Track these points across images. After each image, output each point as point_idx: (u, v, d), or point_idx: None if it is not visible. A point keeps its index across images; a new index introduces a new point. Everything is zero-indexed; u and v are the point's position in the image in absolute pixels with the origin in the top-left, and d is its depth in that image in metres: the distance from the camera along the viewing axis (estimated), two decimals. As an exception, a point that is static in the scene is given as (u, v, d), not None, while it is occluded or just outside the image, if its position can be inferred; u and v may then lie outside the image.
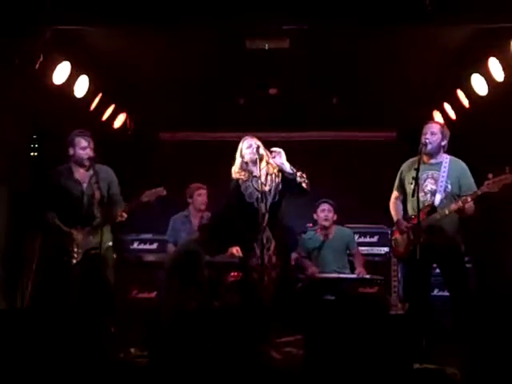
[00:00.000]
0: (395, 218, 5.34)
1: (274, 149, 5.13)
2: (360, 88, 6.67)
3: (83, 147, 5.26)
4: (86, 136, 5.30)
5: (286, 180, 5.12)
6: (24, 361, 4.12)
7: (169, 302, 4.46)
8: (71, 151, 5.31)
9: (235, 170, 5.24)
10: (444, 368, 4.44)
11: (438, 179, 5.07)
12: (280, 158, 5.09)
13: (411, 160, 5.23)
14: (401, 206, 5.37)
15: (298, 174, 5.06)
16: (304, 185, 5.06)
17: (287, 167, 5.09)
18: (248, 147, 5.17)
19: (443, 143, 5.16)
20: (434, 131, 5.13)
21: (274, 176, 5.16)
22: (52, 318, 4.42)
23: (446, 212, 4.95)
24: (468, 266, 5.57)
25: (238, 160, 5.23)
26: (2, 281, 5.44)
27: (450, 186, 5.06)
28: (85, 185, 5.33)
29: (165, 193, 5.35)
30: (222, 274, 5.88)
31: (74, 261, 5.19)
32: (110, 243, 5.37)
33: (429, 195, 5.09)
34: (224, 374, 4.17)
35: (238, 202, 5.14)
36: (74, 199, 5.29)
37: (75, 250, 5.20)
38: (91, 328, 4.43)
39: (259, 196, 5.01)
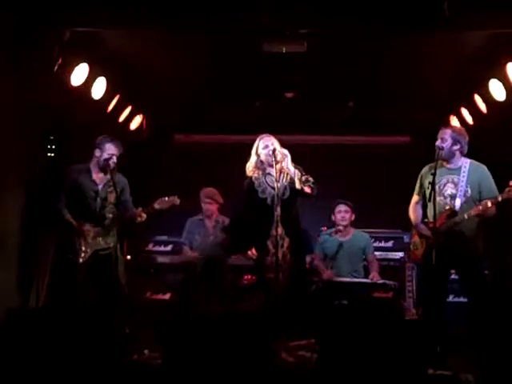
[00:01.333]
0: (414, 223, 5.32)
1: (280, 150, 5.14)
2: (376, 92, 6.65)
3: (111, 154, 5.31)
4: (119, 145, 5.35)
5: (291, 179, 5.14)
6: (37, 361, 4.13)
7: (195, 307, 4.44)
8: (97, 153, 5.36)
9: (249, 168, 5.26)
10: (459, 374, 4.41)
11: (458, 184, 5.05)
12: (283, 161, 5.10)
13: (431, 164, 5.20)
14: (420, 210, 5.33)
15: (303, 178, 5.04)
16: (307, 189, 5.04)
17: (291, 171, 5.10)
18: (264, 148, 5.19)
19: (455, 148, 5.11)
20: (445, 137, 5.11)
21: (286, 173, 5.17)
22: (64, 318, 4.44)
23: (465, 217, 4.92)
24: (486, 271, 5.52)
25: (254, 158, 5.26)
26: (17, 280, 5.47)
27: (469, 191, 5.03)
28: (100, 186, 5.38)
29: (178, 202, 5.38)
30: (236, 276, 5.89)
31: (81, 260, 5.22)
32: (118, 244, 5.38)
33: (448, 199, 5.06)
34: (236, 377, 4.16)
35: (252, 199, 5.15)
36: (88, 198, 5.33)
37: (83, 249, 5.23)
38: (104, 329, 4.44)
39: (274, 193, 5.01)
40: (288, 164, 5.14)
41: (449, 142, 5.09)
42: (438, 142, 5.08)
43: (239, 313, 4.53)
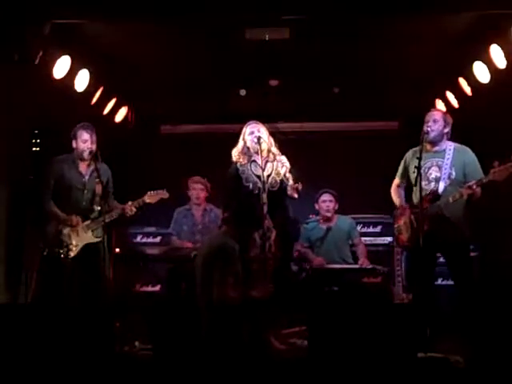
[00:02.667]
0: (397, 203, 5.32)
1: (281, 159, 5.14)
2: (361, 77, 6.64)
3: (84, 140, 5.27)
4: (88, 129, 5.30)
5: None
6: (27, 355, 4.12)
7: (208, 295, 4.43)
8: (74, 144, 5.34)
9: (235, 153, 5.24)
10: (448, 356, 4.44)
11: (442, 166, 5.05)
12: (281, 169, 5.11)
13: (415, 148, 5.20)
14: (402, 193, 5.35)
15: (295, 186, 5.05)
16: (295, 195, 5.07)
17: (289, 180, 5.11)
18: (250, 133, 5.18)
19: (446, 130, 5.14)
20: (437, 118, 5.12)
21: (275, 165, 5.14)
22: (54, 312, 4.43)
23: (450, 200, 4.92)
24: (473, 254, 5.55)
25: (241, 143, 5.25)
26: (5, 275, 5.45)
27: (454, 173, 5.03)
28: (87, 177, 5.34)
29: (167, 195, 5.39)
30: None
31: (72, 254, 5.19)
32: (105, 237, 5.34)
33: (433, 183, 5.06)
34: (228, 366, 4.17)
35: (235, 186, 5.13)
36: (76, 190, 5.30)
37: (73, 243, 5.19)
38: (93, 322, 4.43)
39: (258, 181, 5.01)
40: (286, 171, 5.13)
41: (441, 123, 5.10)
42: (429, 123, 5.07)
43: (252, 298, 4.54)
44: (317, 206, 6.48)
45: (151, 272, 6.44)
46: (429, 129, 5.05)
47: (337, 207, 6.44)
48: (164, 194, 5.40)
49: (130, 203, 5.33)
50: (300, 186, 5.05)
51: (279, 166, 5.19)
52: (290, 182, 5.10)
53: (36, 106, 5.73)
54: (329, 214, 6.38)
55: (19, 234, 5.58)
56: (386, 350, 4.13)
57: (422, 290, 4.96)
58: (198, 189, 6.72)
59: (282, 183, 5.16)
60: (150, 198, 5.36)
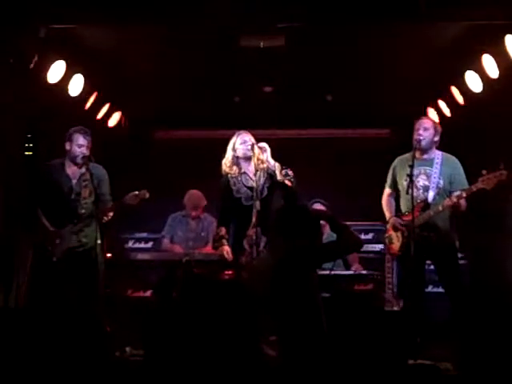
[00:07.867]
0: (388, 216, 5.35)
1: (260, 144, 5.13)
2: (354, 85, 6.67)
3: (80, 145, 5.24)
4: (85, 134, 5.26)
5: (270, 176, 5.14)
6: (18, 361, 4.11)
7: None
8: (67, 146, 5.29)
9: (226, 164, 5.23)
10: (438, 364, 4.46)
11: (431, 175, 5.09)
12: (263, 155, 5.10)
13: (403, 156, 5.26)
14: (393, 203, 5.38)
15: (283, 172, 5.05)
16: (287, 182, 5.05)
17: (271, 164, 5.10)
18: (242, 143, 5.17)
19: (436, 139, 5.19)
20: (427, 127, 5.16)
21: (263, 172, 5.16)
22: (45, 317, 4.42)
23: (440, 208, 4.97)
24: (462, 262, 5.59)
25: (230, 153, 5.22)
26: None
27: (442, 182, 5.08)
28: (74, 181, 5.31)
29: (147, 196, 5.24)
30: (216, 272, 5.87)
31: (55, 258, 5.15)
32: (99, 241, 5.27)
33: (421, 191, 5.11)
34: (219, 372, 4.17)
35: (226, 198, 5.14)
36: (63, 194, 5.27)
37: (57, 247, 5.16)
38: (84, 327, 4.43)
39: (249, 192, 5.02)
40: (268, 157, 5.13)
41: (431, 131, 5.15)
42: (420, 131, 5.11)
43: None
44: None
45: (142, 277, 6.43)
46: (420, 137, 5.09)
47: None
48: (143, 194, 5.22)
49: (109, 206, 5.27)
50: (290, 173, 5.05)
51: (267, 170, 5.18)
52: (277, 166, 5.08)
53: (30, 110, 5.72)
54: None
55: (11, 239, 5.56)
56: (377, 356, 4.14)
57: (413, 298, 5.00)
58: (193, 210, 6.71)
59: (270, 190, 5.16)
60: (130, 199, 5.20)
